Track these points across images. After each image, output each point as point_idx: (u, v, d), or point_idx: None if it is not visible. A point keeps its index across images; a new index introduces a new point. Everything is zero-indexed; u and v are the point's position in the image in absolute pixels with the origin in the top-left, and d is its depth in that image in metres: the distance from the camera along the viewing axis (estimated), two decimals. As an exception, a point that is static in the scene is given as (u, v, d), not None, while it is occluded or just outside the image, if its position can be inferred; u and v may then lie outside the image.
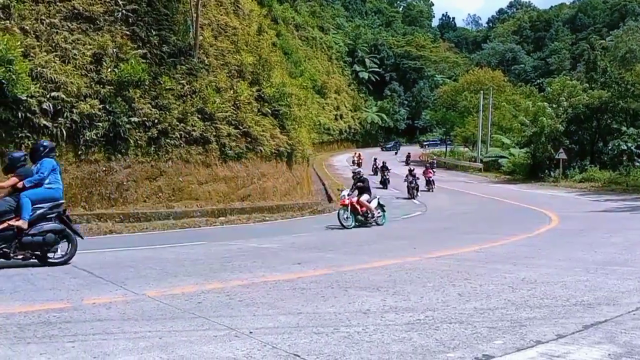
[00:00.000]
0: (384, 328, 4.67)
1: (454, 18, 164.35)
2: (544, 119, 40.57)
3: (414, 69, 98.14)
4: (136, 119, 17.20)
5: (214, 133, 19.68)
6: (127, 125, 16.84)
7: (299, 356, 3.93)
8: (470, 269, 7.86)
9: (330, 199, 27.64)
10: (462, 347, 4.11)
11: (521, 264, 8.31)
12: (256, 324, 4.85)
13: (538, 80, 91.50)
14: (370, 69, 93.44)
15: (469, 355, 3.89)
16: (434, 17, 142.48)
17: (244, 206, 19.58)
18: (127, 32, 18.78)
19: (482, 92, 59.42)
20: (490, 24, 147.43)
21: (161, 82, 18.72)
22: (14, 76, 14.49)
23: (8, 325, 4.78)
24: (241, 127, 20.95)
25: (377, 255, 9.78)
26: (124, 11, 18.86)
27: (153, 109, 17.90)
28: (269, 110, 23.53)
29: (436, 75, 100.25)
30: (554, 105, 42.15)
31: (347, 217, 15.52)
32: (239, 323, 4.86)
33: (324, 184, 33.15)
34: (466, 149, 67.00)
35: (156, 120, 17.78)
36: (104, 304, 5.63)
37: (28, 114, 14.87)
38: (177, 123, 18.52)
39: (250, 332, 4.56)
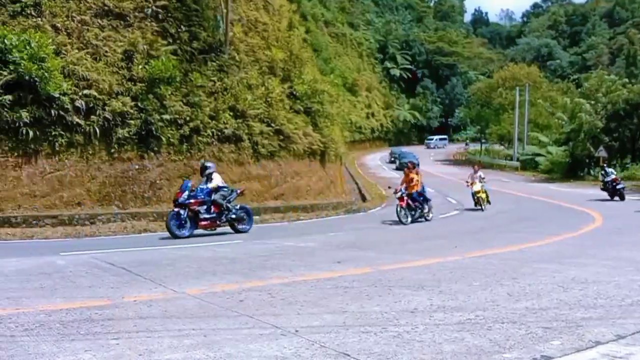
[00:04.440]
0: (434, 327, 4.53)
1: (486, 13, 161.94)
2: (583, 115, 39.51)
3: (446, 65, 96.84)
4: (168, 117, 17.18)
5: (246, 131, 19.58)
6: (159, 123, 16.82)
7: (349, 355, 3.82)
8: (516, 268, 7.66)
9: (364, 198, 27.38)
10: (518, 347, 3.97)
11: (568, 263, 8.05)
12: (301, 322, 4.71)
13: (575, 76, 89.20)
14: (402, 66, 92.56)
15: (526, 356, 3.75)
16: (465, 12, 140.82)
17: (278, 205, 19.45)
18: (157, 29, 18.79)
19: (517, 88, 58.29)
20: (525, 19, 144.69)
21: (192, 78, 18.69)
22: (46, 74, 14.60)
23: (51, 322, 4.72)
24: (273, 125, 20.80)
25: (417, 254, 9.56)
26: (154, 7, 18.87)
27: (184, 106, 17.87)
28: (301, 108, 23.36)
29: (469, 72, 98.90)
30: (592, 102, 41.00)
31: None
32: (283, 321, 4.72)
33: (357, 183, 32.90)
34: (502, 147, 65.91)
35: (188, 118, 17.75)
36: (145, 302, 5.52)
37: (61, 112, 14.96)
38: (209, 120, 18.47)
39: (296, 331, 4.42)
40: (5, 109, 13.98)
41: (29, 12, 15.90)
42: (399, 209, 16.01)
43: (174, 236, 12.10)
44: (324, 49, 58.10)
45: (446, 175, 41.49)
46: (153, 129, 16.52)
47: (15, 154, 14.32)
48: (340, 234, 13.80)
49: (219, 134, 18.56)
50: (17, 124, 14.13)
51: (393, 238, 12.93)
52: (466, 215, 19.56)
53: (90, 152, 15.35)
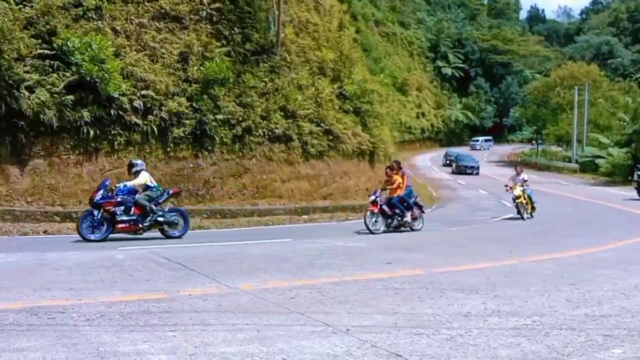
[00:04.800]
0: (489, 332, 4.48)
1: (543, 10, 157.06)
2: (646, 115, 37.92)
3: (501, 64, 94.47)
4: (221, 117, 17.56)
5: (296, 131, 19.78)
6: (213, 123, 17.21)
7: (400, 356, 3.82)
8: (575, 274, 7.48)
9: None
10: (577, 354, 3.90)
11: (633, 270, 7.82)
12: (352, 321, 4.75)
13: (638, 75, 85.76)
14: (454, 65, 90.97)
15: (586, 364, 3.67)
16: (521, 9, 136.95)
17: (327, 205, 19.55)
18: (212, 31, 19.20)
19: (576, 87, 56.40)
20: (584, 16, 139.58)
21: (244, 79, 19.02)
22: (106, 75, 15.14)
23: (111, 313, 4.92)
24: (323, 125, 20.92)
25: (470, 257, 9.44)
26: (208, 10, 19.28)
27: (237, 107, 18.21)
28: (351, 108, 23.40)
29: (525, 71, 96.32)
30: (656, 101, 39.28)
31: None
32: (334, 320, 4.77)
33: (407, 184, 32.58)
34: (559, 148, 63.92)
35: (240, 118, 18.08)
36: (199, 296, 5.68)
37: (120, 112, 15.49)
38: (261, 121, 18.75)
39: (348, 330, 4.46)
40: (68, 109, 14.59)
41: (90, 15, 16.50)
42: (368, 216, 13.84)
43: (84, 239, 11.05)
44: (374, 49, 57.82)
45: (500, 177, 40.48)
46: (207, 128, 16.91)
47: (77, 152, 14.93)
48: (390, 234, 13.76)
49: (270, 133, 18.82)
50: (78, 123, 14.72)
51: (444, 240, 12.81)
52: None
53: (147, 151, 15.84)
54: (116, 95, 15.29)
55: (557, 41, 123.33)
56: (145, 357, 3.68)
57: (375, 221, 13.86)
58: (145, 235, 11.76)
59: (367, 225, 13.64)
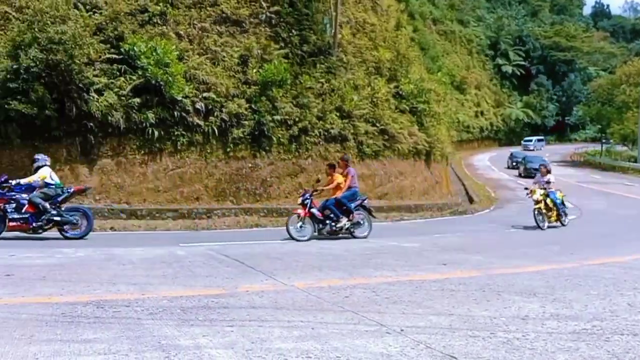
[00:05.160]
0: (547, 336, 4.42)
1: (608, 5, 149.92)
2: None
3: (563, 61, 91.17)
4: (279, 117, 17.87)
5: (352, 131, 19.86)
6: (271, 124, 17.54)
7: (455, 358, 3.83)
8: (639, 278, 7.18)
9: (471, 200, 26.69)
10: None
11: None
12: (406, 322, 4.77)
13: None
14: (515, 62, 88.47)
15: (649, 371, 3.57)
16: (585, 4, 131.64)
17: (382, 204, 19.50)
18: (271, 34, 19.56)
19: (643, 85, 53.83)
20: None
21: (301, 81, 19.28)
22: (170, 78, 15.71)
23: (173, 307, 5.13)
24: (378, 125, 20.93)
25: (529, 260, 9.26)
26: (267, 13, 19.66)
27: (294, 108, 18.48)
28: (407, 107, 23.28)
29: (589, 68, 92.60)
30: None
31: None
32: (388, 320, 4.81)
33: (464, 184, 32.10)
34: (624, 148, 61.19)
35: (297, 119, 18.34)
36: (256, 292, 5.85)
37: (183, 113, 16.03)
38: (317, 121, 18.95)
39: (402, 330, 4.49)
40: (134, 111, 15.22)
41: (155, 21, 17.13)
42: (292, 220, 11.94)
43: None
44: (432, 47, 56.92)
45: (563, 178, 39.18)
46: (265, 129, 17.26)
47: (142, 152, 15.55)
48: (446, 235, 13.63)
49: (326, 133, 18.99)
50: (144, 125, 15.34)
51: (502, 242, 12.57)
52: (584, 221, 18.51)
53: (209, 151, 16.33)
54: (179, 98, 15.82)
55: (623, 37, 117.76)
56: (204, 351, 3.82)
57: (301, 227, 11.84)
58: (205, 233, 12.08)
59: (288, 232, 11.63)
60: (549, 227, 15.37)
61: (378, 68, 23.05)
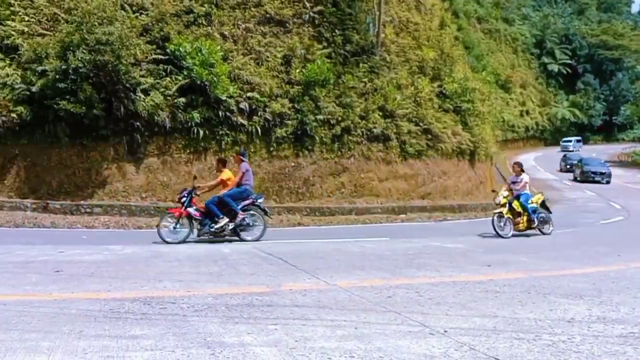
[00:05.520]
0: (593, 339, 4.31)
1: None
2: None
3: (611, 59, 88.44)
4: (321, 117, 17.93)
5: (394, 130, 19.76)
6: (314, 123, 17.61)
7: (499, 360, 3.75)
8: (691, 282, 6.93)
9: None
10: None
11: None
12: (450, 323, 4.72)
13: None
14: (561, 61, 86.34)
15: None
16: (633, 2, 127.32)
17: (425, 204, 19.34)
18: (314, 33, 19.64)
19: (695, 82, 51.70)
20: None
21: (344, 80, 19.30)
22: (215, 78, 15.97)
23: (218, 304, 5.21)
24: (422, 124, 20.75)
25: (575, 261, 9.04)
26: (311, 13, 19.74)
27: (337, 107, 18.51)
28: (451, 107, 23.01)
29: (637, 66, 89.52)
30: None
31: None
32: (431, 321, 4.77)
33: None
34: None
35: (340, 118, 18.36)
36: (299, 291, 5.88)
37: (227, 113, 16.28)
38: (359, 120, 18.92)
39: (445, 331, 4.45)
40: (180, 111, 15.54)
41: (200, 21, 17.44)
42: (165, 220, 10.95)
43: None
44: (476, 46, 56.02)
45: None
46: (308, 128, 17.36)
47: (187, 151, 15.87)
48: (490, 236, 13.39)
49: (368, 133, 18.95)
50: (189, 124, 15.65)
51: (548, 243, 12.27)
52: (632, 222, 17.95)
53: (252, 150, 16.52)
54: (224, 98, 16.07)
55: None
56: (248, 349, 3.85)
57: (174, 227, 10.75)
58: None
59: (159, 235, 10.54)
60: (516, 235, 12.92)
61: (421, 67, 22.85)
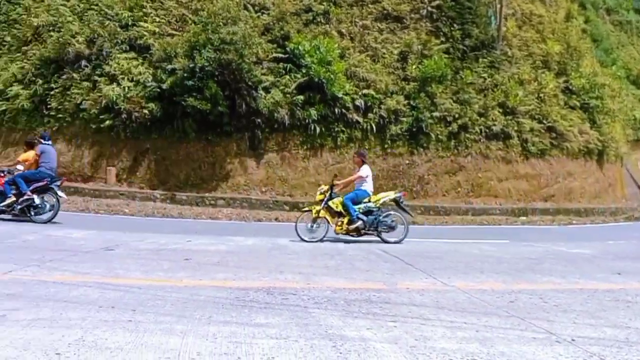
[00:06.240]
0: None
1: None
2: None
3: None
4: (437, 114, 17.64)
5: (516, 128, 18.98)
6: (429, 120, 17.38)
7: (632, 373, 3.52)
8: None
9: (650, 206, 24.14)
10: None
11: None
12: (577, 332, 4.47)
13: None
14: None
15: None
16: None
17: (547, 207, 18.42)
18: (431, 29, 19.34)
19: None
20: None
21: (462, 76, 18.84)
22: (332, 76, 16.24)
23: (337, 299, 5.30)
24: (545, 122, 19.76)
25: None
26: (428, 8, 19.47)
27: (454, 104, 18.13)
28: (577, 103, 21.68)
29: None
30: None
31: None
32: (557, 328, 4.55)
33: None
34: None
35: (457, 115, 17.96)
36: (417, 290, 5.84)
37: (343, 110, 16.50)
38: (477, 117, 18.39)
39: (573, 340, 4.22)
40: (298, 108, 15.99)
41: (319, 20, 17.82)
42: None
43: None
44: (605, 39, 52.14)
45: None
46: (423, 125, 17.16)
47: (305, 147, 16.32)
48: (621, 242, 12.47)
49: (487, 130, 18.37)
50: (306, 121, 16.07)
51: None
52: None
53: (367, 147, 16.66)
54: (340, 95, 16.31)
55: None
56: (369, 344, 3.87)
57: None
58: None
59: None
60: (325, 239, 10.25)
61: (546, 62, 21.72)
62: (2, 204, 11.03)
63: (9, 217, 11.16)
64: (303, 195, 15.82)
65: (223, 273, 6.42)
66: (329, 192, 10.32)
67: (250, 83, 15.70)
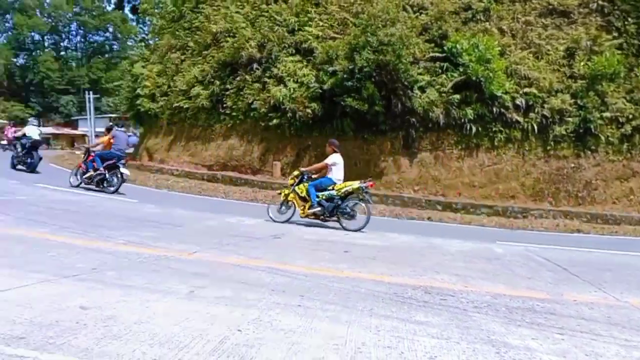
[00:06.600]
0: None
1: None
2: None
3: None
4: (608, 114, 16.29)
5: None
6: (599, 121, 16.11)
7: None
8: None
9: None
10: None
11: None
12: None
13: None
14: None
15: None
16: None
17: None
18: (602, 23, 17.85)
19: None
20: None
21: (637, 74, 17.15)
22: (491, 74, 15.70)
23: (497, 304, 5.16)
24: None
25: None
26: (599, 1, 17.99)
27: (627, 104, 16.61)
28: None
29: None
30: None
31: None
32: None
33: None
34: None
35: (630, 116, 16.43)
36: (585, 303, 5.50)
37: (502, 109, 15.89)
38: (657, 119, 16.62)
39: None
40: (454, 107, 15.71)
41: (478, 17, 17.31)
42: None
43: None
44: None
45: None
46: (591, 127, 15.96)
47: (459, 147, 15.98)
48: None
49: (668, 133, 16.54)
50: (462, 121, 15.72)
51: None
52: None
53: (527, 149, 15.86)
54: (499, 94, 15.73)
55: None
56: (535, 354, 3.75)
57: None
58: (521, 233, 11.73)
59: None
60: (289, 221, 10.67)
61: None
62: (84, 176, 13.78)
63: (93, 186, 13.69)
64: (456, 195, 15.52)
65: (380, 268, 6.56)
66: (300, 177, 10.97)
67: (406, 83, 15.75)
